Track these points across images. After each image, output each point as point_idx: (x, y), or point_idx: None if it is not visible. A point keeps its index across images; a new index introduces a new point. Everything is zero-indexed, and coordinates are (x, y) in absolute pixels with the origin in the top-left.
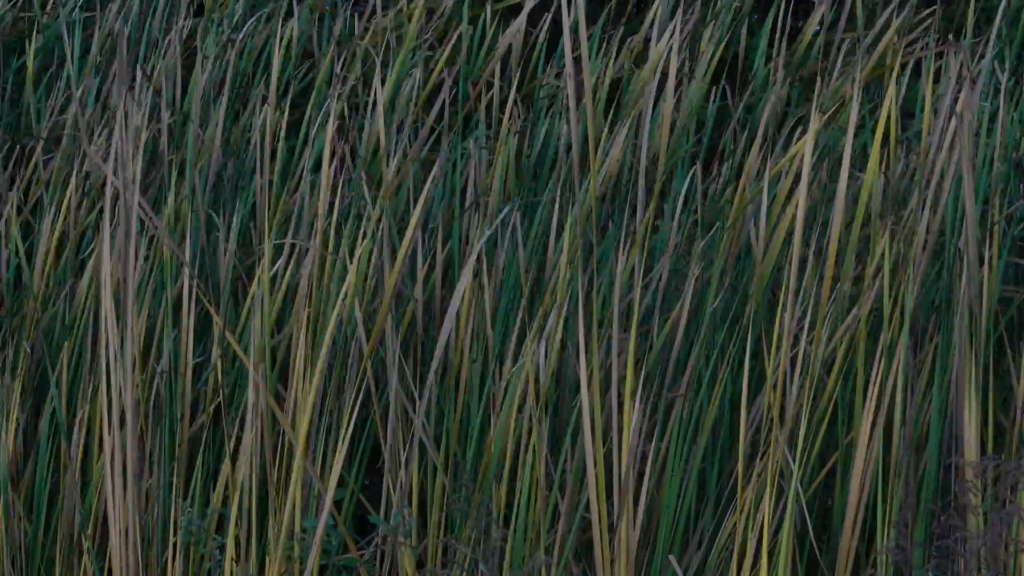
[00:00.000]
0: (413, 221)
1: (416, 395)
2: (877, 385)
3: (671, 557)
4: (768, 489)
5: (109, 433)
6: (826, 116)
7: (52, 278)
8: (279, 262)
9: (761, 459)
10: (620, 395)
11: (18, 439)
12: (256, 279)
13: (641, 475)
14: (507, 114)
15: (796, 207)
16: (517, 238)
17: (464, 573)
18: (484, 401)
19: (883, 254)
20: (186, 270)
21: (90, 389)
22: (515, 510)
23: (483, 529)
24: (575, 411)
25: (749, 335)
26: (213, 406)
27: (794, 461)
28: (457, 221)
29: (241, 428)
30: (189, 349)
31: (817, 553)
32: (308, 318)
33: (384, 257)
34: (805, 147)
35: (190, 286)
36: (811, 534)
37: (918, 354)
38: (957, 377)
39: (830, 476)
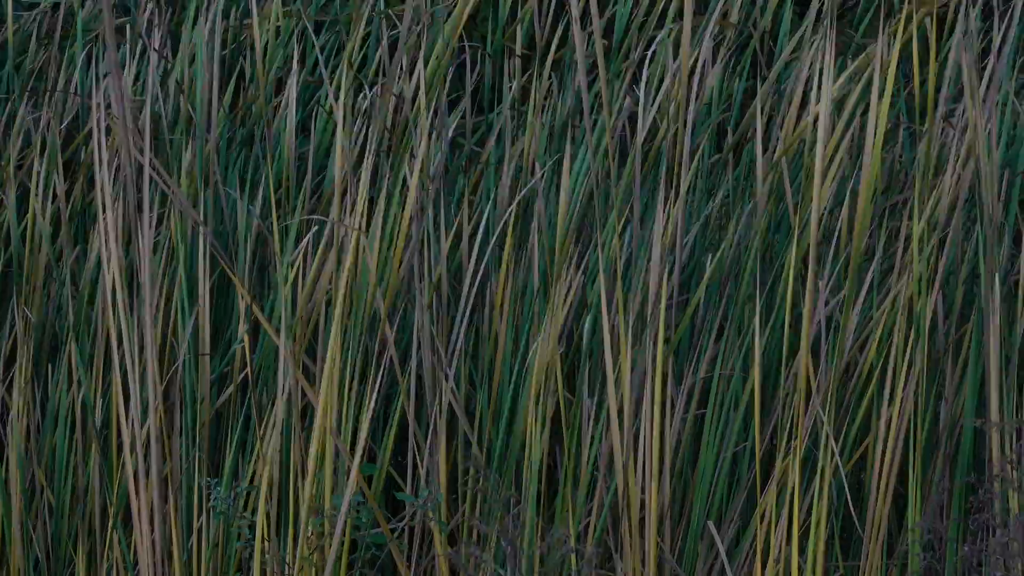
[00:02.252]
0: (417, 169)
1: (446, 366)
2: (906, 361)
3: (709, 523)
4: (796, 457)
5: (128, 424)
6: (852, 67)
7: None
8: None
9: (794, 431)
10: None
11: (33, 412)
12: (280, 251)
13: (676, 448)
14: (545, 82)
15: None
16: (539, 209)
17: (492, 552)
18: (515, 373)
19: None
20: (201, 236)
21: (102, 362)
22: (535, 482)
23: (509, 508)
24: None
25: (786, 305)
26: (240, 378)
27: (829, 426)
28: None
29: (269, 403)
30: (206, 323)
31: (858, 527)
32: (336, 290)
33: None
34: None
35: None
36: (849, 505)
37: (957, 329)
38: (984, 347)
39: (867, 452)
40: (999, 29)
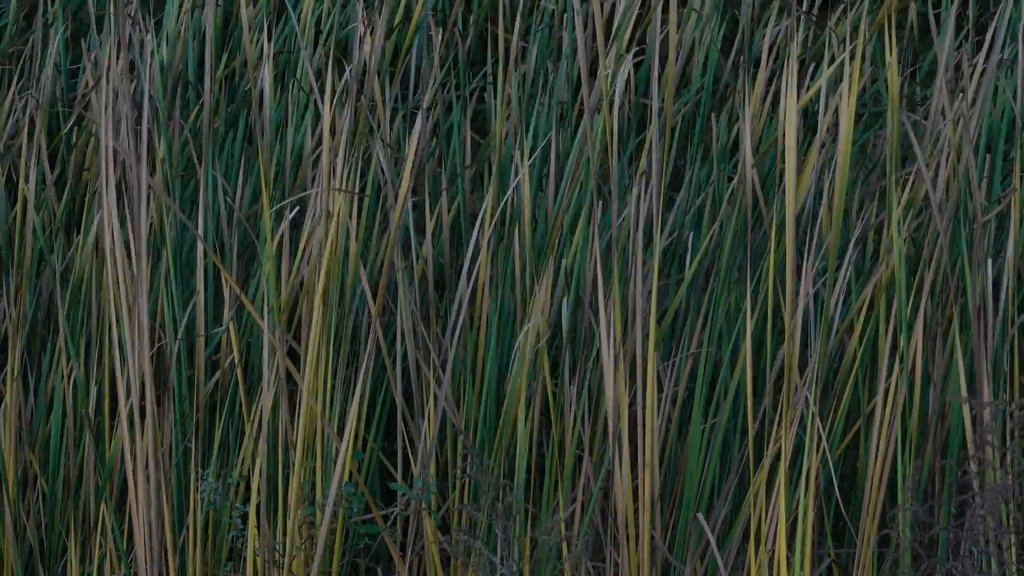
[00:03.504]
0: (410, 159)
1: (434, 355)
2: (889, 343)
3: (699, 515)
4: (784, 440)
5: (128, 418)
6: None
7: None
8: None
9: (782, 419)
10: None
11: (27, 398)
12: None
13: (665, 432)
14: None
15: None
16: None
17: (484, 542)
18: (500, 359)
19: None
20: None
21: (97, 349)
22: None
23: (501, 495)
24: (593, 366)
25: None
26: (227, 363)
27: (818, 416)
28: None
29: (258, 392)
30: (201, 311)
31: (844, 514)
32: (319, 275)
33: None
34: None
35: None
36: (836, 493)
37: (943, 313)
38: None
39: (857, 438)
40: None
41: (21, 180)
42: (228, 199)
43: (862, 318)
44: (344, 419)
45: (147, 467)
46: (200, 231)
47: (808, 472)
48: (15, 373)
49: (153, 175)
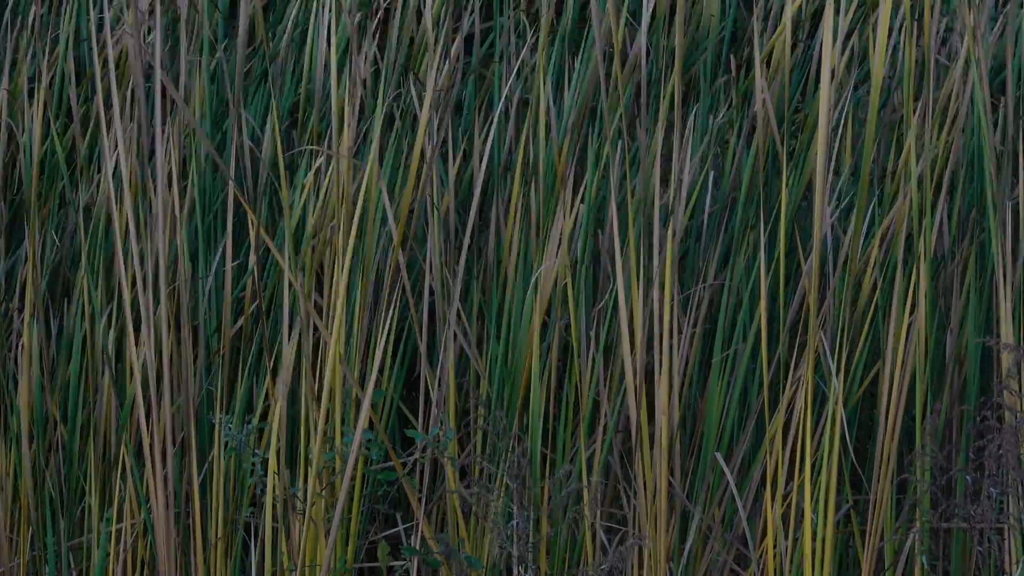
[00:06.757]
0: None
1: (457, 301)
2: (911, 287)
3: (717, 455)
4: (807, 387)
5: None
6: None
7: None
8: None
9: (799, 363)
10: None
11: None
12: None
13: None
14: None
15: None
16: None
17: (501, 490)
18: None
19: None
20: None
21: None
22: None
23: (514, 445)
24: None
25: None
26: (251, 310)
27: (834, 362)
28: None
29: (278, 336)
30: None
31: (855, 463)
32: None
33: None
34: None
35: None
36: (847, 438)
37: (958, 255)
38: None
39: (874, 385)
40: None
41: (38, 120)
42: (258, 138)
43: (874, 259)
44: (367, 364)
45: (166, 410)
46: (231, 170)
47: (833, 415)
48: (35, 317)
49: (175, 115)
